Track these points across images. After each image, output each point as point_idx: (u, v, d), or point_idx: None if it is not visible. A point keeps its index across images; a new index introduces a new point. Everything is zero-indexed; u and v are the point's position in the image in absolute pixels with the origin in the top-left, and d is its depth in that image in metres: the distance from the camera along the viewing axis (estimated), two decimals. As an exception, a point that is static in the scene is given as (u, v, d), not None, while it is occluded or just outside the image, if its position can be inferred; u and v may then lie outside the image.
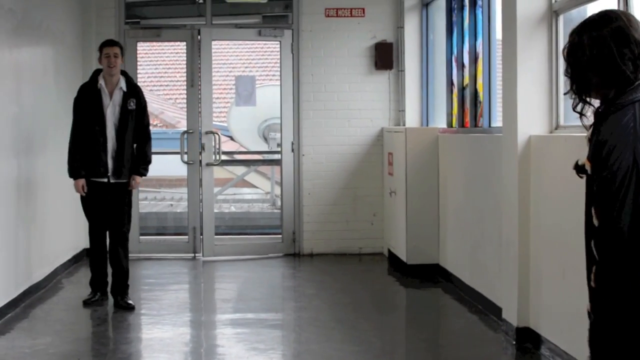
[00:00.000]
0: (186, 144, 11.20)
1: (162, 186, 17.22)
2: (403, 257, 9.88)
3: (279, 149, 11.70)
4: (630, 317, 3.06)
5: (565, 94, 3.62)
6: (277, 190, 13.91)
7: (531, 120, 6.80)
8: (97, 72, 8.28)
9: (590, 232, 3.18)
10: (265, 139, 15.26)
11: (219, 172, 15.65)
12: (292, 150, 11.25)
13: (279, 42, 11.32)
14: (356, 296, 8.88)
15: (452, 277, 9.15)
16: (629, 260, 3.03)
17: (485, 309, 7.90)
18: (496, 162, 7.59)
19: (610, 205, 3.04)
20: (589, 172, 3.18)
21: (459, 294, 8.70)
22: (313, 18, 11.18)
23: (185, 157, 11.19)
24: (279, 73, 11.53)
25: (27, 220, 8.53)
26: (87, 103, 8.13)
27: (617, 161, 3.03)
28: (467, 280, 8.60)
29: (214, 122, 11.38)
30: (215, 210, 14.10)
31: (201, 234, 11.18)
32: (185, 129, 11.34)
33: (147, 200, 16.28)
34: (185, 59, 11.28)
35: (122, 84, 8.20)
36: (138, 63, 11.38)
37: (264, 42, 12.18)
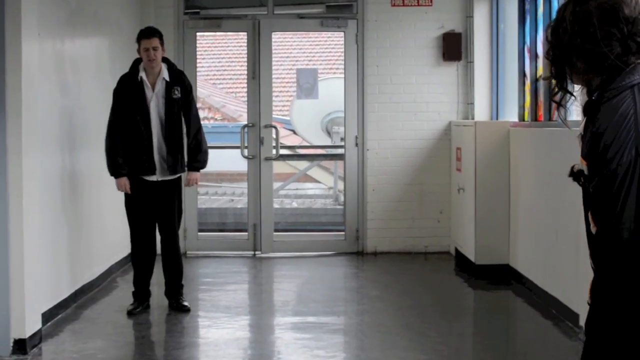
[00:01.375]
0: (246, 138, 10.86)
1: (222, 181, 16.97)
2: (471, 257, 9.44)
3: (342, 144, 11.31)
4: (630, 339, 2.59)
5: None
6: (340, 186, 13.58)
7: (613, 114, 6.30)
8: (137, 62, 7.73)
9: (589, 241, 2.70)
10: (329, 133, 14.93)
11: (282, 167, 15.41)
12: (356, 145, 10.85)
13: (342, 33, 10.93)
14: (422, 299, 8.44)
15: (523, 279, 8.68)
16: (631, 271, 2.55)
17: (560, 314, 7.42)
18: (574, 158, 7.08)
19: (610, 208, 2.57)
20: (586, 172, 2.69)
21: (531, 297, 8.23)
22: (378, 7, 10.77)
23: (246, 152, 10.85)
24: (342, 65, 11.14)
25: (80, 217, 8.24)
26: (128, 96, 7.62)
27: (616, 155, 2.56)
28: (540, 282, 8.14)
29: (277, 116, 11.04)
30: (277, 206, 13.90)
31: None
32: (246, 122, 10.98)
33: (207, 195, 16.03)
34: (246, 50, 10.93)
35: (165, 73, 7.68)
36: (198, 54, 11.05)
37: (327, 33, 11.74)
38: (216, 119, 18.62)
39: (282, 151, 13.90)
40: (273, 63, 11.00)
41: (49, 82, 7.38)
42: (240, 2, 11.18)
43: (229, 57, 20.76)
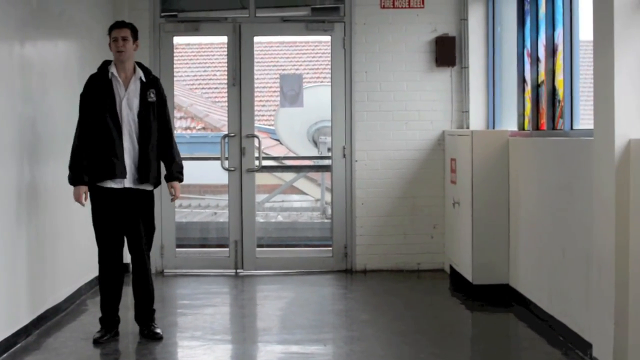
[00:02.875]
0: (227, 149, 10.20)
1: (206, 192, 16.33)
2: (468, 276, 8.81)
3: (329, 154, 10.69)
4: None
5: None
6: (328, 198, 12.98)
7: (630, 122, 5.72)
8: (107, 63, 7.10)
9: None
10: (315, 143, 14.30)
11: (267, 179, 14.82)
12: (344, 156, 10.21)
13: (329, 37, 10.30)
14: (416, 323, 7.76)
15: (525, 301, 8.03)
16: None
17: (569, 342, 6.77)
18: (583, 170, 6.49)
19: None
20: None
21: (534, 321, 7.59)
22: (367, 10, 10.16)
23: (226, 163, 10.20)
24: (329, 71, 10.52)
25: (43, 234, 7.51)
26: (97, 96, 6.92)
27: None
28: (545, 305, 7.49)
29: (262, 125, 10.39)
30: (261, 220, 13.30)
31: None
32: (225, 132, 10.34)
33: (190, 207, 15.38)
34: (226, 55, 10.28)
35: (140, 73, 7.09)
36: (175, 59, 10.40)
37: (312, 37, 11.09)
38: (199, 129, 18.02)
39: (267, 162, 13.32)
40: (255, 69, 10.35)
41: (5, 88, 6.68)
42: (220, 5, 10.49)
43: (209, 63, 20.18)
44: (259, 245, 10.55)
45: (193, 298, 8.90)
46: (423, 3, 10.17)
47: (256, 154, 10.25)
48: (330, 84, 10.36)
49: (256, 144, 10.24)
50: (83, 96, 7.02)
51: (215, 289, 9.43)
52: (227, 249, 10.31)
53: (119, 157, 6.89)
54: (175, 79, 10.52)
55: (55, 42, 7.97)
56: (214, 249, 11.34)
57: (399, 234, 10.18)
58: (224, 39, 10.32)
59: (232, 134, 10.20)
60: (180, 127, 17.45)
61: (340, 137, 10.23)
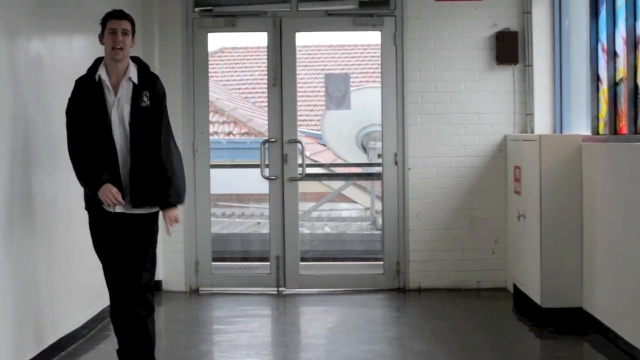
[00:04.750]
0: (267, 156, 9.36)
1: (250, 200, 15.57)
2: (536, 298, 7.87)
3: (379, 161, 9.81)
4: None
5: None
6: (378, 206, 12.12)
7: None
8: (98, 61, 5.94)
9: None
10: (364, 149, 13.46)
11: (314, 186, 14.09)
12: (396, 163, 9.32)
13: (378, 33, 9.42)
14: (479, 354, 6.86)
15: (603, 328, 7.09)
16: None
17: (660, 381, 5.82)
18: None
19: None
20: None
21: (615, 352, 6.69)
22: (420, 2, 9.30)
23: (267, 171, 9.35)
24: (378, 75, 9.70)
25: (58, 248, 6.67)
26: (85, 104, 5.80)
27: None
28: (627, 333, 6.57)
29: (308, 130, 9.54)
30: (307, 231, 12.48)
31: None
32: (266, 137, 9.50)
33: (232, 217, 14.60)
34: (266, 53, 9.45)
35: (132, 72, 5.90)
36: (210, 58, 9.61)
37: (360, 32, 10.21)
38: (242, 134, 17.32)
39: (312, 169, 12.53)
40: (300, 70, 9.50)
41: (9, 88, 5.84)
42: (259, -3, 9.65)
43: (256, 67, 19.49)
44: (304, 259, 9.74)
45: (229, 322, 8.04)
46: (482, -5, 9.30)
47: (299, 161, 9.40)
48: (380, 85, 9.47)
49: (299, 150, 9.37)
50: (70, 103, 5.88)
51: (254, 310, 8.57)
52: (268, 265, 9.46)
53: (113, 175, 5.79)
54: (222, 83, 9.67)
55: (69, 36, 7.09)
56: (255, 264, 10.49)
57: (457, 249, 9.31)
58: (263, 35, 9.43)
59: (272, 139, 9.36)
60: (222, 132, 16.75)
61: (392, 143, 9.35)
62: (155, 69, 9.05)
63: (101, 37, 5.91)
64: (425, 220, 9.30)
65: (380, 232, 10.21)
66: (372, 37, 11.66)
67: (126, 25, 5.88)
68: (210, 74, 9.55)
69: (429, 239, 9.29)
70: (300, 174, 9.38)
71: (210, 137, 9.62)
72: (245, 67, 20.66)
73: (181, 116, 9.24)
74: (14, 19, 5.94)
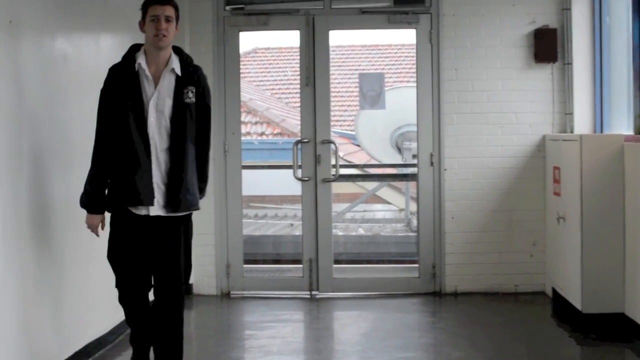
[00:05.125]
0: (300, 156, 9.16)
1: (283, 202, 15.39)
2: (576, 303, 7.62)
3: (414, 162, 9.58)
4: None
5: None
6: (413, 207, 11.91)
7: None
8: (134, 48, 5.59)
9: None
10: (399, 150, 13.23)
11: (348, 187, 13.91)
12: (432, 164, 9.10)
13: (414, 31, 9.18)
14: (518, 362, 6.64)
15: (647, 335, 6.85)
16: None
17: None
18: None
19: None
20: None
21: (661, 360, 6.40)
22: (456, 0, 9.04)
23: (299, 172, 9.16)
24: (412, 75, 9.47)
25: (81, 251, 6.51)
26: (119, 94, 5.42)
27: None
28: (673, 342, 6.30)
29: (342, 131, 9.35)
30: (340, 233, 12.29)
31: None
32: (299, 137, 9.31)
33: (265, 218, 14.44)
34: (298, 51, 9.26)
35: (175, 63, 5.51)
36: (244, 58, 9.42)
37: (395, 30, 9.97)
38: (275, 135, 17.15)
39: (346, 170, 12.35)
40: (334, 69, 9.31)
41: (32, 88, 5.67)
42: (292, -5, 9.45)
43: (289, 67, 19.33)
44: (338, 261, 9.52)
45: (260, 327, 7.86)
46: (520, -9, 9.06)
47: (333, 162, 9.20)
48: (415, 84, 9.25)
49: (332, 151, 9.19)
50: (103, 93, 5.52)
51: (286, 315, 8.38)
52: (301, 267, 9.27)
53: (144, 176, 5.42)
54: (255, 83, 9.50)
55: (96, 35, 6.93)
56: (287, 266, 10.32)
57: (494, 252, 9.05)
58: (296, 34, 9.24)
59: (305, 140, 9.17)
60: (255, 133, 16.59)
61: (427, 143, 9.13)
62: (186, 68, 8.91)
63: (142, 24, 5.52)
64: (462, 222, 9.07)
65: (415, 234, 9.99)
66: (407, 36, 11.41)
67: (170, 11, 5.47)
68: (243, 75, 9.38)
69: (465, 241, 9.06)
70: (333, 175, 9.19)
71: (242, 138, 9.44)
72: (279, 67, 20.49)
73: (212, 116, 9.04)
74: (39, 17, 5.77)
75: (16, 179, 5.37)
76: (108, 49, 6.97)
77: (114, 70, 5.53)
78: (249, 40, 19.12)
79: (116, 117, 5.41)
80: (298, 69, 9.25)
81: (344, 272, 9.53)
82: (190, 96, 5.51)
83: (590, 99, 8.90)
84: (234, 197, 9.21)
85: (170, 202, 5.49)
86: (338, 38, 15.64)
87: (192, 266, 5.86)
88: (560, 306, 8.18)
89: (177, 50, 5.61)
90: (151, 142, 5.43)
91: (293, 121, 17.48)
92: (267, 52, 20.59)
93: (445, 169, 9.06)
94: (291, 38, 9.23)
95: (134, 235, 5.54)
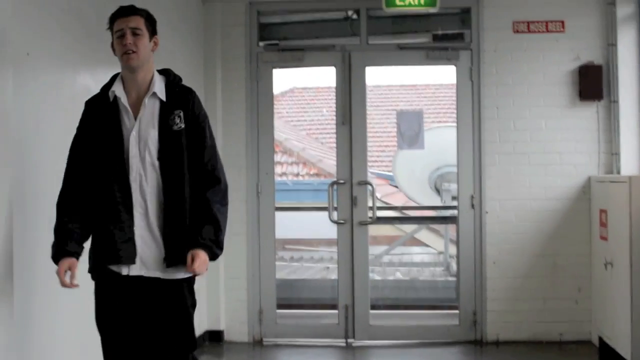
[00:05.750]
0: (336, 198, 8.85)
1: (319, 244, 15.06)
2: (626, 353, 7.27)
3: (454, 204, 9.26)
4: None
5: None
6: (452, 250, 11.57)
7: None
8: (115, 77, 4.72)
9: None
10: (438, 191, 12.92)
11: (385, 229, 13.61)
12: (472, 206, 8.75)
13: (452, 68, 8.89)
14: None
15: None
16: None
17: None
18: None
19: None
20: None
21: None
22: (497, 35, 8.75)
23: (335, 215, 8.84)
24: (451, 115, 9.27)
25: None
26: (94, 129, 4.54)
27: None
28: None
29: (379, 172, 9.06)
30: (377, 277, 11.96)
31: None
32: (335, 178, 9.02)
33: (301, 261, 14.11)
34: (334, 88, 9.02)
35: (158, 86, 4.58)
36: (281, 97, 9.17)
37: (434, 67, 9.67)
38: (311, 175, 16.89)
39: (383, 212, 12.05)
40: (371, 108, 9.02)
41: (61, 125, 5.40)
42: (327, 31, 9.19)
43: (327, 107, 19.15)
44: (375, 307, 9.19)
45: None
46: (563, 27, 8.73)
47: (370, 204, 8.88)
48: (454, 124, 8.93)
49: (370, 191, 8.87)
50: (77, 130, 4.65)
51: (320, 365, 8.06)
52: (337, 313, 8.94)
53: (125, 226, 4.45)
54: (292, 123, 9.24)
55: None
56: (323, 312, 9.96)
57: (538, 298, 8.66)
58: (331, 71, 8.96)
59: (341, 181, 8.86)
60: (291, 173, 16.34)
61: (468, 185, 8.79)
62: (218, 105, 8.68)
63: (113, 45, 4.62)
64: (504, 267, 8.69)
65: (454, 278, 9.66)
66: (446, 75, 11.17)
67: (137, 21, 4.51)
68: (280, 114, 9.13)
69: (507, 287, 8.68)
70: (370, 218, 8.86)
71: (276, 179, 9.16)
72: (316, 106, 20.33)
73: (245, 156, 8.82)
74: (60, 50, 5.52)
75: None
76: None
77: (90, 104, 4.66)
78: (284, 79, 18.89)
79: (90, 156, 4.51)
80: (334, 108, 8.98)
81: (381, 318, 9.19)
82: (178, 122, 4.53)
83: (638, 138, 8.55)
84: (267, 240, 8.91)
85: (166, 258, 4.50)
86: (375, 77, 15.44)
87: (195, 344, 4.67)
88: (607, 356, 7.81)
89: (164, 72, 4.72)
90: (133, 184, 4.47)
91: (329, 161, 17.23)
92: (304, 91, 20.43)
93: (487, 212, 8.71)
94: (328, 77, 8.97)
95: (115, 298, 4.52)
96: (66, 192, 4.54)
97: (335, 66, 8.89)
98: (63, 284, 4.38)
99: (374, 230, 9.09)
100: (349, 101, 8.84)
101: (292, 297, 10.84)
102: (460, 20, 9.02)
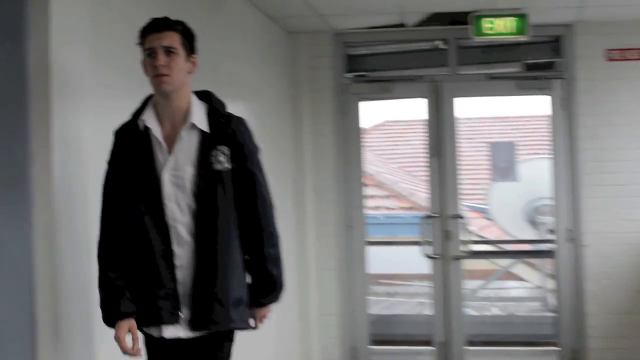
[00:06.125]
0: (428, 232, 8.68)
1: (413, 279, 14.87)
2: None
3: (550, 237, 8.99)
4: None
5: None
6: (549, 283, 11.44)
7: None
8: (148, 100, 4.01)
9: None
10: (533, 224, 12.67)
11: (481, 263, 13.37)
12: (570, 240, 8.47)
13: (546, 97, 8.65)
14: None
15: None
16: None
17: None
18: None
19: None
20: None
21: None
22: (591, 64, 8.48)
23: (427, 249, 8.66)
24: (545, 142, 9.01)
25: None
26: (124, 166, 3.88)
27: None
28: None
29: (472, 204, 8.90)
30: (473, 313, 11.71)
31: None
32: (427, 212, 8.87)
33: (396, 296, 13.95)
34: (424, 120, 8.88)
35: (197, 115, 3.87)
36: (373, 130, 9.08)
37: (525, 97, 9.47)
38: (404, 209, 16.74)
39: (477, 246, 11.82)
40: (460, 139, 8.84)
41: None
42: (414, 62, 9.04)
43: (409, 135, 19.04)
44: (470, 343, 8.95)
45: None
46: (661, 54, 8.45)
47: (463, 238, 8.70)
48: (548, 155, 8.69)
49: (463, 225, 8.71)
50: (107, 166, 3.96)
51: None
52: (432, 349, 8.77)
53: (164, 284, 3.82)
54: (384, 156, 9.13)
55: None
56: (418, 348, 9.74)
57: (640, 336, 8.37)
58: (420, 102, 8.83)
59: (434, 214, 8.67)
60: (383, 207, 16.21)
61: (565, 217, 8.52)
62: (306, 139, 8.56)
63: (144, 64, 3.89)
64: (605, 303, 8.38)
65: (552, 314, 9.37)
66: (538, 106, 10.96)
67: (170, 39, 3.79)
68: (372, 147, 9.01)
69: (609, 324, 8.37)
70: (464, 252, 8.65)
71: (367, 212, 9.02)
72: (406, 139, 20.25)
73: (334, 190, 8.68)
74: (140, 79, 5.46)
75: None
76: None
77: (120, 135, 3.96)
78: (374, 111, 18.82)
79: (124, 197, 3.86)
80: (424, 140, 8.83)
81: (477, 355, 9.01)
82: (222, 160, 3.82)
83: None
84: (358, 275, 8.76)
85: (196, 317, 3.84)
86: (466, 108, 15.26)
87: None
88: None
89: (204, 95, 3.99)
90: (172, 233, 3.82)
91: (422, 194, 17.09)
92: (395, 124, 20.35)
93: (585, 246, 8.42)
94: (418, 109, 8.82)
95: None
96: (106, 241, 3.87)
97: (423, 97, 8.75)
98: (125, 351, 3.79)
99: (469, 264, 8.89)
100: (439, 133, 8.69)
101: (386, 332, 10.64)
102: (551, 49, 8.76)
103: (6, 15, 4.07)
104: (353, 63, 8.96)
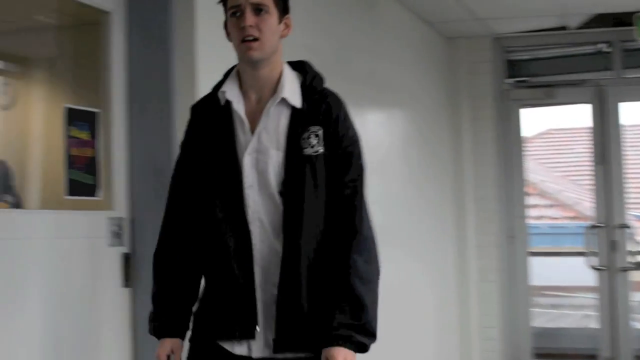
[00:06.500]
0: (593, 242, 8.41)
1: (577, 290, 14.49)
2: None
3: None
4: None
5: None
6: None
7: None
8: (230, 71, 3.25)
9: None
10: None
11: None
12: None
13: None
14: None
15: None
16: None
17: None
18: None
19: None
20: None
21: None
22: None
23: (593, 260, 8.37)
24: None
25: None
26: (202, 146, 3.16)
27: None
28: None
29: (637, 213, 8.62)
30: (640, 326, 11.31)
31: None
32: (592, 222, 8.60)
33: (561, 308, 13.60)
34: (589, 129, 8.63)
35: (289, 88, 3.09)
36: (536, 139, 8.86)
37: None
38: (570, 219, 16.36)
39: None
40: (628, 145, 8.55)
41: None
42: (577, 66, 8.78)
43: (573, 143, 18.55)
44: (638, 358, 8.58)
45: None
46: None
47: (631, 248, 8.39)
48: None
49: (631, 235, 8.43)
50: (180, 149, 3.28)
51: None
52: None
53: (241, 289, 3.05)
54: (548, 165, 8.90)
55: (362, 110, 6.48)
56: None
57: None
58: (584, 108, 8.57)
59: (599, 224, 8.38)
60: (547, 217, 15.87)
61: None
62: (466, 147, 8.39)
63: (225, 26, 3.16)
64: None
65: None
66: None
67: None
68: (534, 155, 8.78)
69: None
70: (631, 263, 8.33)
71: (530, 222, 8.80)
72: (571, 147, 19.83)
73: (496, 199, 8.48)
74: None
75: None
76: (375, 126, 6.51)
77: (196, 110, 3.27)
78: (536, 119, 18.45)
79: (197, 187, 3.16)
80: (589, 147, 8.56)
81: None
82: (314, 143, 3.04)
83: None
84: (521, 286, 8.55)
85: (278, 337, 3.03)
86: (632, 114, 14.78)
87: None
88: None
89: (299, 65, 3.22)
90: (252, 227, 3.06)
91: (587, 203, 16.69)
92: (559, 132, 19.96)
93: None
94: (581, 115, 8.55)
95: None
96: (167, 242, 3.23)
97: (587, 102, 8.54)
98: None
99: (637, 275, 8.54)
100: (605, 139, 8.42)
101: (549, 346, 10.38)
102: None
103: (153, 15, 4.17)
104: (513, 68, 8.80)
